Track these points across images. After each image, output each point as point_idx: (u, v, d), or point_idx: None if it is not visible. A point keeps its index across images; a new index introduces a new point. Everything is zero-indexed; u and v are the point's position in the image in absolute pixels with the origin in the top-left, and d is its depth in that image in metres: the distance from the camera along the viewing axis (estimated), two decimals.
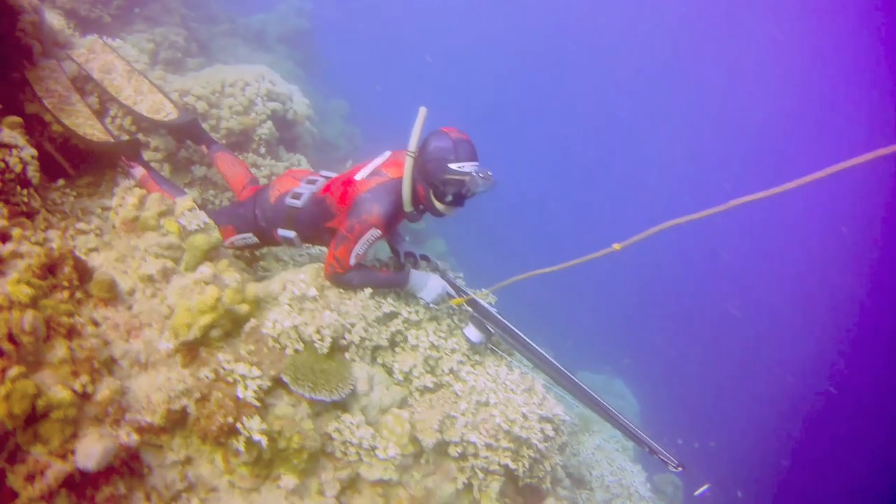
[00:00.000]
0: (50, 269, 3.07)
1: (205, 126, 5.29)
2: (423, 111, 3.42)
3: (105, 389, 2.84)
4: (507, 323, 3.89)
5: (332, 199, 3.73)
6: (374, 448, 3.37)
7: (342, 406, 3.45)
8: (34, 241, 3.12)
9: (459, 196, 3.51)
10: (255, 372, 3.15)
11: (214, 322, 3.22)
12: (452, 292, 3.89)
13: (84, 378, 2.79)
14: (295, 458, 3.16)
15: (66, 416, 2.62)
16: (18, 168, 3.67)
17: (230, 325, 3.35)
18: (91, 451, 2.60)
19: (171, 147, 5.01)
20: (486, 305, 3.94)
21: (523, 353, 3.99)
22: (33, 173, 3.74)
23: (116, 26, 6.81)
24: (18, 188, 3.70)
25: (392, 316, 3.77)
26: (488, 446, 3.54)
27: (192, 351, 3.21)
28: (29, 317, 2.68)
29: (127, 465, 2.84)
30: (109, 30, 6.50)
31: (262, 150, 5.93)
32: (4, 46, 4.13)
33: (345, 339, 3.50)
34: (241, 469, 3.11)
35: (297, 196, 3.85)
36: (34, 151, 3.77)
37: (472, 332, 3.86)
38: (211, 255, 3.63)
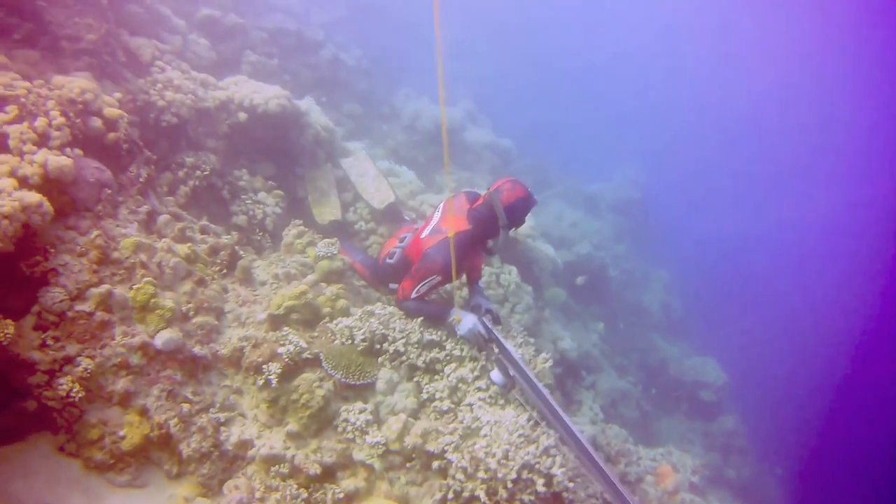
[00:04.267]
0: (215, 251, 4.98)
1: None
2: (493, 192, 4.78)
3: (200, 318, 4.49)
4: (527, 371, 4.45)
5: (410, 256, 5.01)
6: (365, 432, 4.26)
7: (362, 397, 4.45)
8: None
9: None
10: (303, 344, 4.46)
11: (295, 307, 4.72)
12: (483, 332, 4.63)
13: (191, 306, 4.51)
14: (300, 412, 4.27)
15: (162, 315, 4.33)
16: (260, 216, 5.86)
17: (311, 317, 4.81)
18: (163, 335, 4.22)
19: (393, 233, 6.88)
20: (514, 353, 4.56)
21: (541, 410, 4.43)
22: (269, 223, 5.88)
23: (430, 167, 9.32)
24: (258, 230, 5.86)
25: (435, 345, 4.69)
26: (464, 470, 4.05)
27: (275, 323, 4.72)
28: (174, 260, 4.58)
29: (191, 368, 4.36)
30: (422, 168, 8.99)
31: None
32: (294, 148, 6.63)
33: (379, 346, 4.57)
34: (262, 405, 4.35)
35: (391, 255, 5.24)
36: (277, 210, 5.96)
37: (497, 375, 4.51)
38: (330, 276, 5.20)
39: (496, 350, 4.68)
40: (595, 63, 37.01)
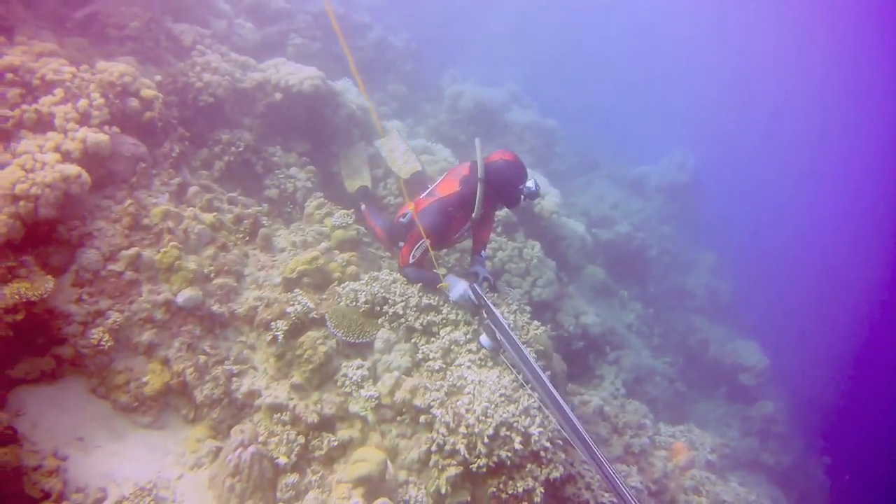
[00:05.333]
0: (240, 220, 5.53)
1: None
2: (478, 142, 5.02)
3: (220, 280, 5.04)
4: (513, 336, 4.78)
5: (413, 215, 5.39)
6: (360, 386, 4.72)
7: (362, 355, 4.92)
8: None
9: (517, 201, 5.13)
10: (310, 304, 4.96)
11: (307, 272, 5.24)
12: (473, 297, 4.98)
13: (213, 269, 5.07)
14: (304, 366, 4.77)
15: (185, 276, 4.90)
16: (291, 190, 6.38)
17: (321, 280, 5.34)
18: (184, 293, 4.80)
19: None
20: (501, 319, 4.89)
21: (525, 373, 4.75)
22: (300, 195, 6.40)
23: (469, 146, 9.76)
24: (288, 202, 6.38)
25: (432, 309, 5.10)
26: (446, 425, 4.46)
27: (288, 286, 5.24)
28: (198, 227, 5.15)
29: (209, 324, 4.92)
30: (462, 146, 9.40)
31: (499, 228, 7.77)
32: (328, 127, 7.14)
33: (379, 308, 5.02)
34: (271, 359, 4.88)
35: (404, 216, 5.59)
36: (308, 184, 6.47)
37: (485, 339, 4.89)
38: (344, 245, 5.69)
39: (486, 315, 5.04)
40: (649, 48, 36.77)
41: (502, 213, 7.86)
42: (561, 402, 4.55)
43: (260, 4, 9.03)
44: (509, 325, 4.94)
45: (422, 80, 11.70)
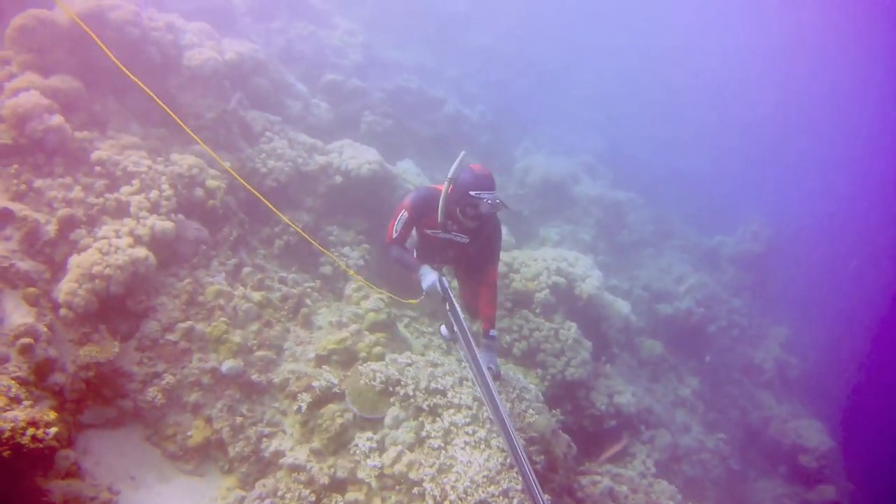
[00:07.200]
0: (286, 298, 6.66)
1: (500, 284, 8.19)
2: (462, 154, 5.49)
3: (262, 353, 6.16)
4: (469, 335, 5.51)
5: None
6: (368, 456, 5.70)
7: (373, 428, 5.90)
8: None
9: (475, 213, 5.39)
10: (334, 380, 6.00)
11: (335, 350, 6.30)
12: (440, 290, 5.48)
13: (256, 342, 6.22)
14: (323, 434, 5.81)
15: (230, 348, 6.05)
16: (343, 267, 7.45)
17: (348, 359, 6.37)
18: (228, 363, 5.95)
19: None
20: (461, 318, 5.58)
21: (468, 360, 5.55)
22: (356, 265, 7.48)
23: (533, 220, 10.58)
24: (341, 279, 7.48)
25: (438, 392, 6.03)
26: (434, 498, 5.37)
27: (319, 362, 6.30)
28: (246, 305, 6.31)
29: (248, 391, 6.04)
30: (526, 221, 10.27)
31: (538, 310, 8.55)
32: (386, 207, 8.20)
33: (392, 388, 5.99)
34: (296, 425, 5.94)
35: None
36: (360, 262, 7.58)
37: (444, 330, 5.84)
38: (375, 326, 6.70)
39: (448, 308, 5.66)
40: (739, 110, 36.05)
41: (542, 294, 8.70)
42: (502, 411, 5.23)
43: (336, 84, 10.27)
44: (507, 412, 5.79)
45: (499, 150, 12.60)
